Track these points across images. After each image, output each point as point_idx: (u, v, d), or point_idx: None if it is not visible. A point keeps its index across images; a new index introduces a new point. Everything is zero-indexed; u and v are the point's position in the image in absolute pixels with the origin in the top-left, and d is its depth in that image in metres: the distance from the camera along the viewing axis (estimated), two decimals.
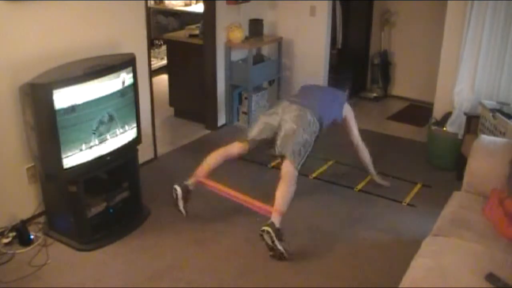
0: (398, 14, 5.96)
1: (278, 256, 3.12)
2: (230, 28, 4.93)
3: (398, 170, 4.33)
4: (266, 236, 3.09)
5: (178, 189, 3.45)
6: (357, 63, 6.17)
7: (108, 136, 3.24)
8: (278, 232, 3.11)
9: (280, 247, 3.08)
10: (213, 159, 3.58)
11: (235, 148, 3.60)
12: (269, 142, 3.56)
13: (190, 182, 3.51)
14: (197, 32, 5.18)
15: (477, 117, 4.04)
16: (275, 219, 3.16)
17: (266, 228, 3.08)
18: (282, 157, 3.44)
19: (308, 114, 3.56)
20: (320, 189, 4.07)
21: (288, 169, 3.37)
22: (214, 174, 3.59)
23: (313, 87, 4.14)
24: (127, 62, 3.34)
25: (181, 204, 3.46)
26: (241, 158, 3.74)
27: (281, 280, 3.01)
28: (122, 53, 3.58)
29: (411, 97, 6.03)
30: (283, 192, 3.28)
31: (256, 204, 3.39)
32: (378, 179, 4.08)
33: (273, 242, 3.07)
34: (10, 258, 3.11)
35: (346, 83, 4.37)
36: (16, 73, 3.12)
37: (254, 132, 3.60)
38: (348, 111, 3.94)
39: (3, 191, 3.25)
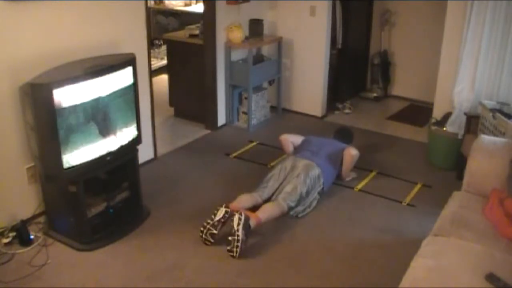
0: (398, 14, 5.96)
1: (233, 244, 3.12)
2: (230, 28, 4.93)
3: (398, 170, 4.33)
4: (235, 218, 3.14)
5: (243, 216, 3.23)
6: (357, 63, 6.17)
7: (108, 136, 3.24)
8: (248, 226, 3.18)
9: (240, 234, 3.11)
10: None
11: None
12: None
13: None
14: (197, 32, 5.18)
15: (477, 117, 4.04)
16: (252, 221, 3.25)
17: (242, 216, 3.15)
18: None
19: (315, 169, 3.73)
20: None
21: (280, 203, 3.50)
22: (216, 176, 3.56)
23: (318, 141, 4.13)
24: (127, 62, 3.34)
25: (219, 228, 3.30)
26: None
27: (281, 280, 3.01)
28: (122, 53, 3.58)
29: (411, 97, 6.02)
30: (271, 210, 3.43)
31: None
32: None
33: (238, 225, 3.11)
34: (10, 258, 3.11)
35: (349, 136, 4.40)
36: (16, 73, 3.12)
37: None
38: (351, 149, 4.03)
39: (3, 191, 3.25)
